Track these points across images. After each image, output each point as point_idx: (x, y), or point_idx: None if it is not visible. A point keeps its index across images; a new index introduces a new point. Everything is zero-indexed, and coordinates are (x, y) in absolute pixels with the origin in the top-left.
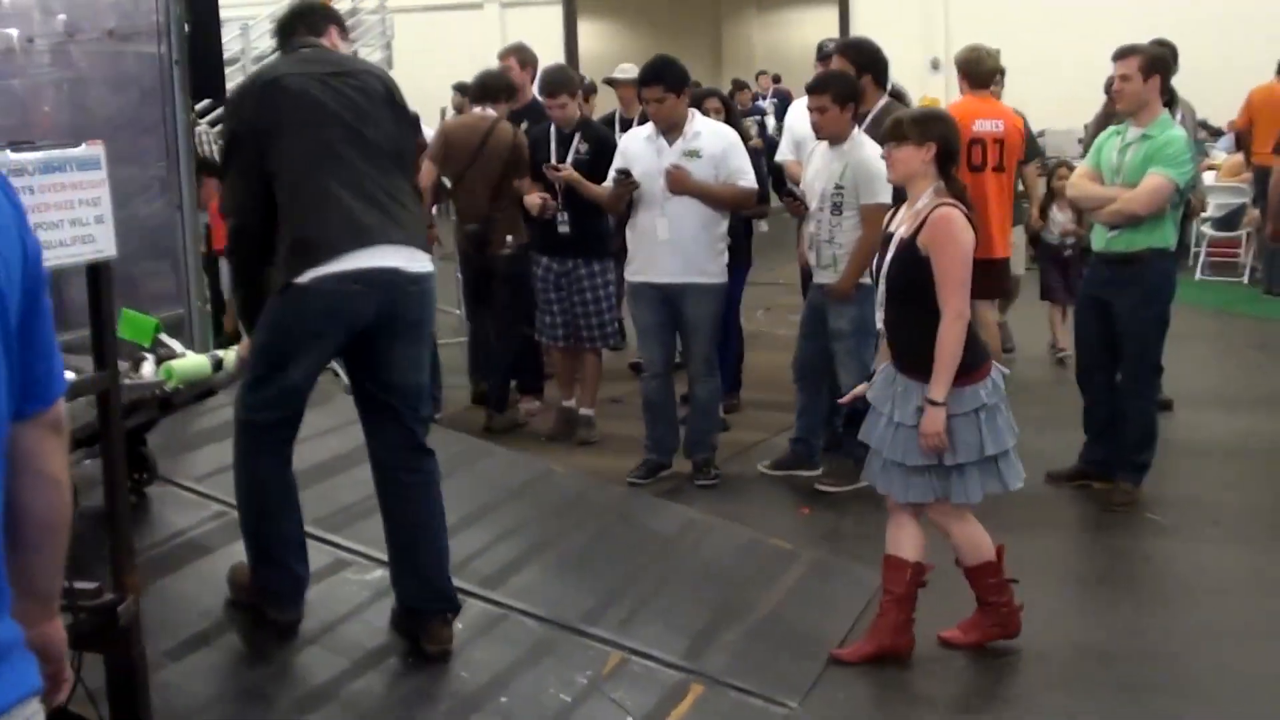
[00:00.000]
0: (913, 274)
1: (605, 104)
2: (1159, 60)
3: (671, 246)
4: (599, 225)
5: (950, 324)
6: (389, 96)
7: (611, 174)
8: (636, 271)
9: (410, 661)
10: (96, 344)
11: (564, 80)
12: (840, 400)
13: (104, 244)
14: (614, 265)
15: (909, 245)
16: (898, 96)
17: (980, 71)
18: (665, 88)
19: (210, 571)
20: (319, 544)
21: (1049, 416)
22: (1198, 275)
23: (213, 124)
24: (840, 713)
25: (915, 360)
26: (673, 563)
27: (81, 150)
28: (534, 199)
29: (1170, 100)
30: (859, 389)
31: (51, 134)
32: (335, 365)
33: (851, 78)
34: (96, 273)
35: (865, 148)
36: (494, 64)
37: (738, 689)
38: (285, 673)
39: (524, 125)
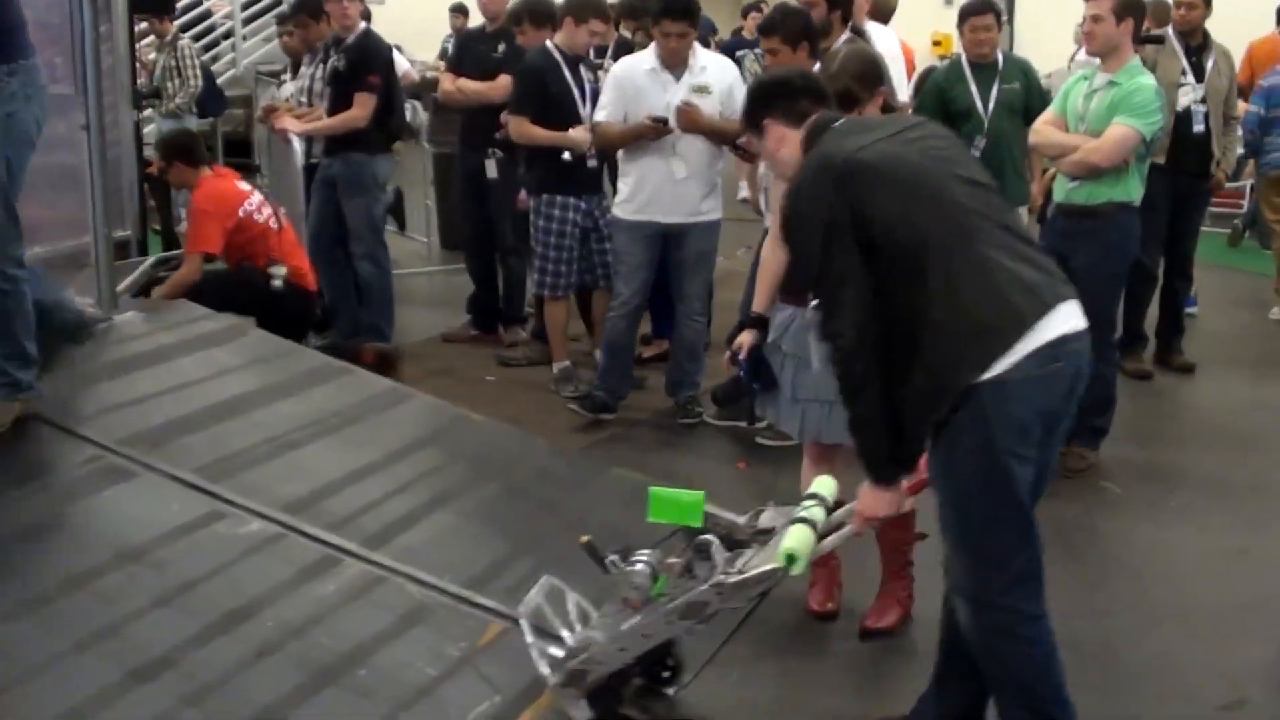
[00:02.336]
0: None
1: None
2: (1134, 3)
3: (680, 186)
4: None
5: None
6: (956, 136)
7: (606, 111)
8: (638, 210)
9: (270, 626)
10: None
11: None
12: (736, 355)
13: None
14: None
15: None
16: (858, 33)
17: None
18: (690, 24)
19: (69, 522)
20: (194, 492)
21: None
22: None
23: (197, 37)
24: (727, 693)
25: None
26: (586, 524)
27: None
28: (584, 135)
29: (1204, 44)
30: (744, 338)
31: None
32: None
33: (804, 16)
34: None
35: None
36: None
37: None
38: (126, 634)
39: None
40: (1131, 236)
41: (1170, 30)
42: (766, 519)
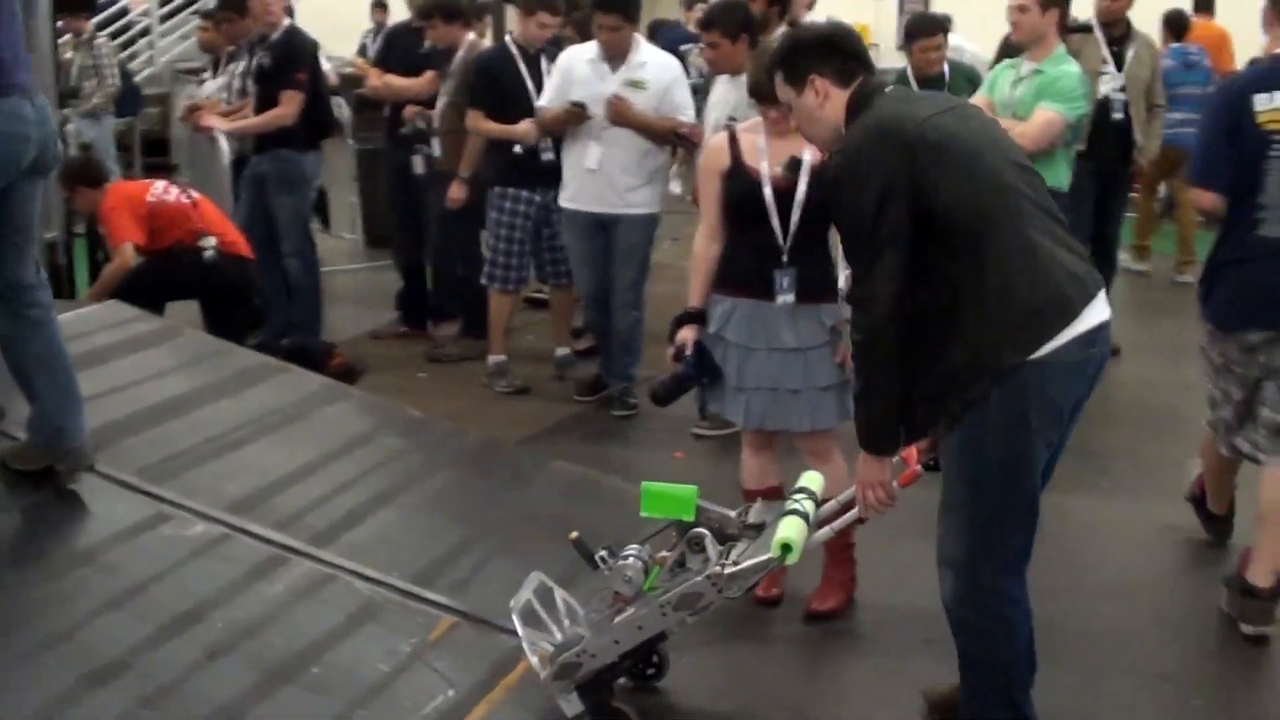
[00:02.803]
0: (827, 199)
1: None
2: None
3: (603, 176)
4: None
5: None
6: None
7: (547, 97)
8: (570, 198)
9: (221, 627)
10: None
11: None
12: (681, 351)
13: None
14: None
15: (824, 171)
16: (795, 26)
17: None
18: (623, 17)
19: (15, 527)
20: (137, 495)
21: None
22: None
23: (113, 35)
24: (685, 679)
25: (821, 285)
26: (527, 517)
27: None
28: (530, 128)
29: (1126, 34)
30: (686, 334)
31: None
32: None
33: (743, 8)
34: None
35: None
36: None
37: None
38: (79, 638)
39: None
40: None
41: (1093, 20)
42: (755, 514)
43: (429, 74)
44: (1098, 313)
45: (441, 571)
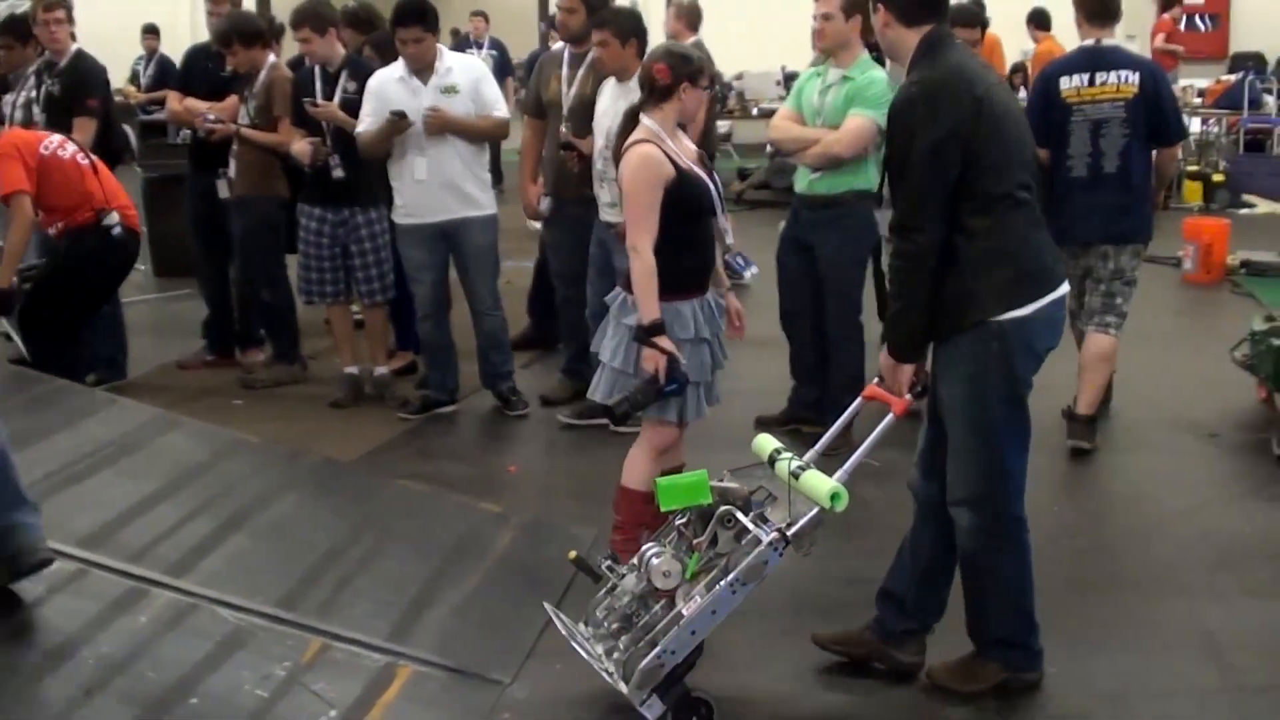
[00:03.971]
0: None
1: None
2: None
3: (438, 185)
4: (374, 169)
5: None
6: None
7: (365, 114)
8: (407, 214)
9: (91, 664)
10: None
11: (310, 12)
12: (675, 365)
13: None
14: (389, 212)
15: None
16: None
17: None
18: (424, 28)
19: None
20: None
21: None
22: None
23: None
24: (556, 685)
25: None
26: (378, 536)
27: None
28: (303, 146)
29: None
30: (670, 345)
31: None
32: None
33: (636, 16)
34: None
35: None
36: None
37: (447, 669)
38: None
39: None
40: (873, 222)
41: None
42: (742, 483)
43: (232, 98)
44: (1065, 283)
45: (304, 594)
